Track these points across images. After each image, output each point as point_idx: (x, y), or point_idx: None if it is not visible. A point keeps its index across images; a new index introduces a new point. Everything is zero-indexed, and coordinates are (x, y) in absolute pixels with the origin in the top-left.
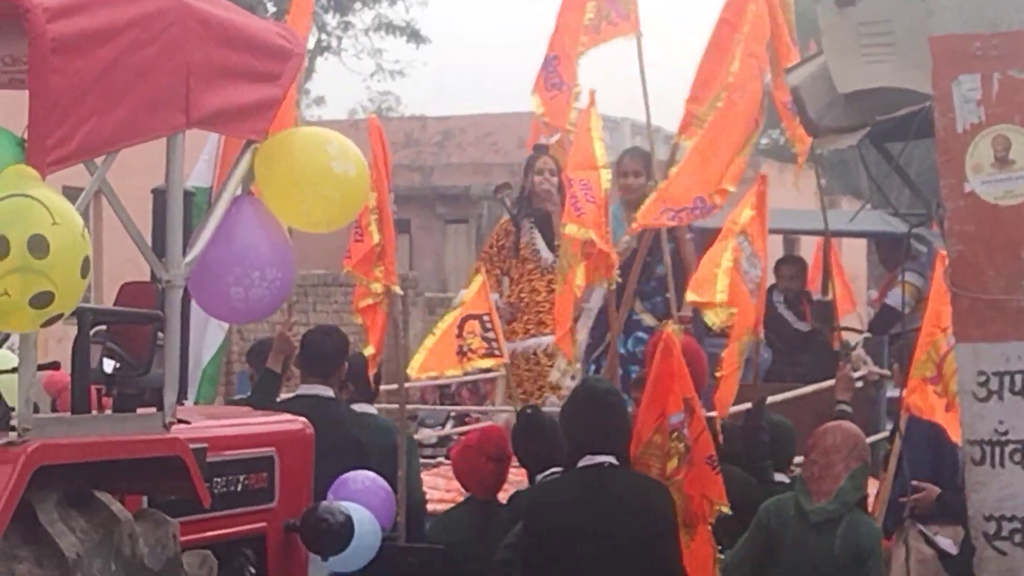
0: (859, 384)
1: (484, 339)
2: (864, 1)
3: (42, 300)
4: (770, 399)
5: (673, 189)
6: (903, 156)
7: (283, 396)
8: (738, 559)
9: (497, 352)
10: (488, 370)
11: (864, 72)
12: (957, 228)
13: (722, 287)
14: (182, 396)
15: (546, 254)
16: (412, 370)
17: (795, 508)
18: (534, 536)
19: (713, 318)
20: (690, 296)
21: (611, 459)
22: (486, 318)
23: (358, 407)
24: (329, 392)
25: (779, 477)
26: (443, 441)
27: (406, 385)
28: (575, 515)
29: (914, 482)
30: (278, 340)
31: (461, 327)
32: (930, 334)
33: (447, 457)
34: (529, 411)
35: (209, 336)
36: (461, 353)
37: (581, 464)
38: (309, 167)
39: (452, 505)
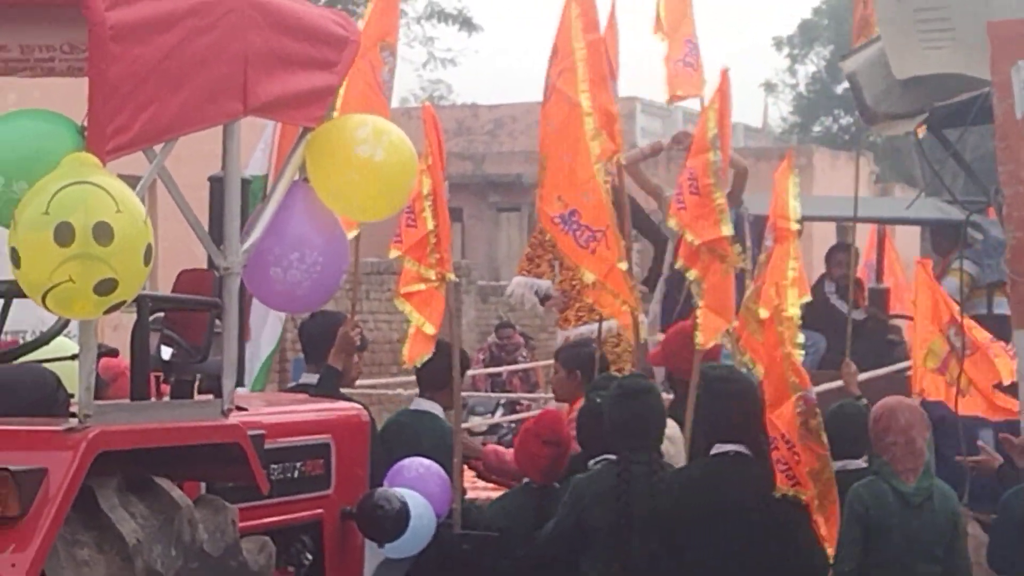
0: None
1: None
2: None
3: (105, 287)
4: (824, 387)
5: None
6: (958, 143)
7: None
8: (848, 553)
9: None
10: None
11: (922, 58)
12: (1016, 215)
13: (793, 298)
14: (239, 383)
15: None
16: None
17: (892, 492)
18: (665, 520)
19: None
20: (690, 237)
21: (740, 448)
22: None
23: (416, 403)
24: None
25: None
26: (493, 429)
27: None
28: (706, 501)
29: (979, 443)
30: (340, 339)
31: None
32: (928, 331)
33: (500, 444)
34: (598, 399)
35: (269, 326)
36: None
37: (712, 452)
38: (338, 152)
39: (503, 492)
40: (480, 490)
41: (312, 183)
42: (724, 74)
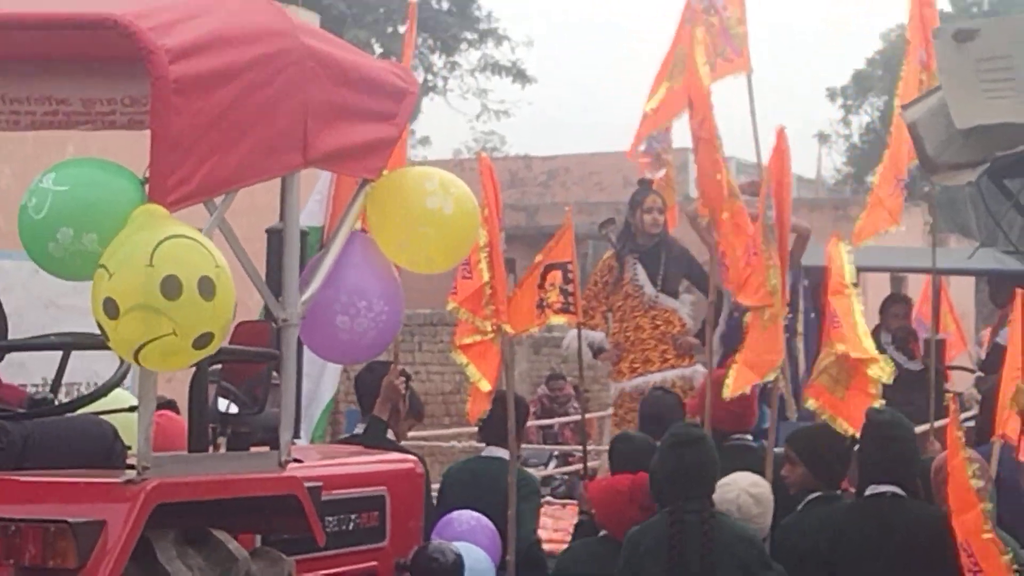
0: (970, 424)
1: (562, 291)
2: (983, 36)
3: (204, 341)
4: None
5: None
6: (1020, 194)
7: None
8: None
9: (572, 308)
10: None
11: (983, 107)
12: None
13: (870, 343)
14: (295, 435)
15: (649, 290)
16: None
17: None
18: (820, 560)
19: (879, 373)
20: (852, 354)
21: (896, 489)
22: (569, 266)
23: (489, 451)
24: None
25: None
26: (546, 481)
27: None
28: (863, 542)
29: None
30: (385, 388)
31: (544, 277)
32: (1017, 370)
33: (553, 496)
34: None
35: (327, 376)
36: (540, 307)
37: (868, 493)
38: (406, 204)
39: (563, 546)
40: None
41: (374, 234)
42: (780, 133)
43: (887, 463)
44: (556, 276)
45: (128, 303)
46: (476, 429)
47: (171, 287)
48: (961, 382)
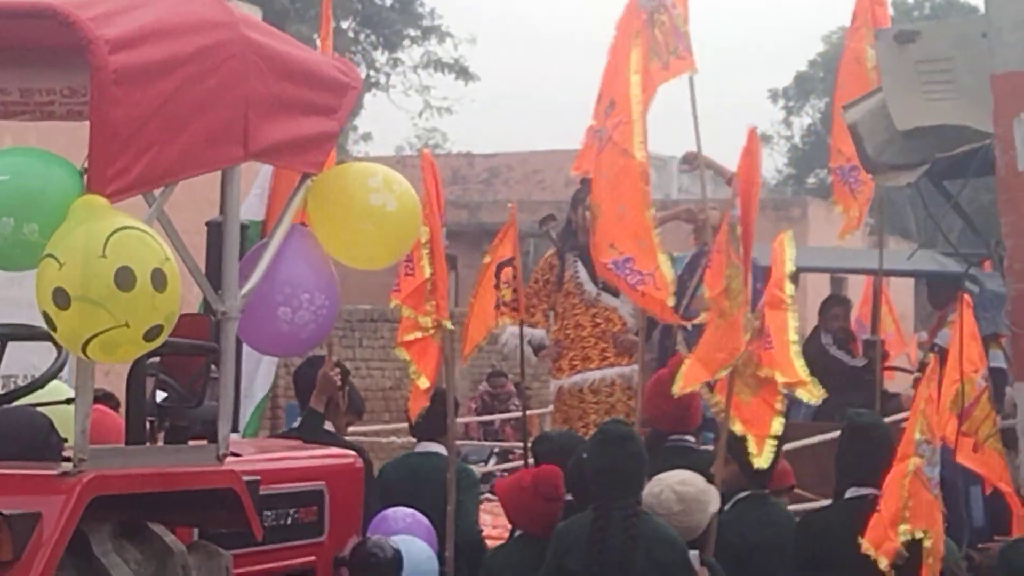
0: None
1: (514, 287)
2: (924, 38)
3: (154, 333)
4: (819, 438)
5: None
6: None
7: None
8: None
9: (515, 305)
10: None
11: (923, 109)
12: (1018, 267)
13: (801, 364)
14: (233, 429)
15: (590, 288)
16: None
17: None
18: (803, 561)
19: (808, 395)
20: (780, 379)
21: (875, 491)
22: (512, 263)
23: (423, 446)
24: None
25: None
26: (486, 477)
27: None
28: (843, 544)
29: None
30: (321, 380)
31: (498, 276)
32: (957, 372)
33: (492, 493)
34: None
35: (262, 370)
36: (497, 307)
37: (848, 495)
38: (349, 200)
39: (500, 542)
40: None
41: (315, 229)
42: (752, 134)
43: (868, 466)
44: (508, 273)
45: (80, 293)
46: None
47: (125, 278)
48: (900, 383)
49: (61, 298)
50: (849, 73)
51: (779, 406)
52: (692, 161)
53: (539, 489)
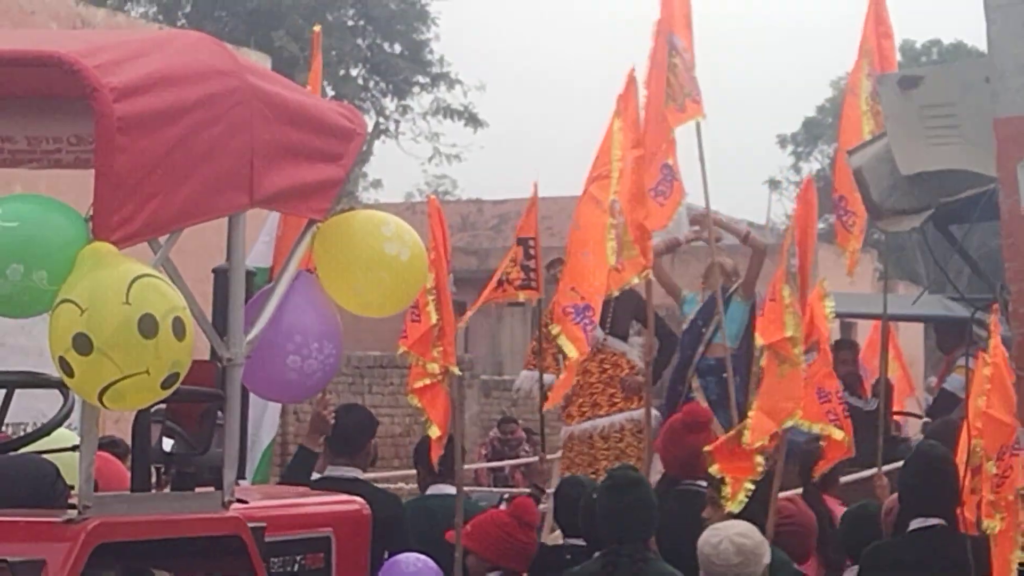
0: None
1: (523, 267)
2: (927, 83)
3: (170, 381)
4: (852, 477)
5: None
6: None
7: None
8: None
9: (533, 284)
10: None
11: (928, 154)
12: (1022, 311)
13: (790, 321)
14: (240, 475)
15: (597, 333)
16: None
17: None
18: None
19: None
20: (758, 340)
21: (941, 521)
22: (531, 242)
23: (435, 488)
24: (355, 472)
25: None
26: None
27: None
28: (913, 575)
29: None
30: (314, 419)
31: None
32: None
33: None
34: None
35: (268, 417)
36: (500, 283)
37: (913, 527)
38: (362, 248)
39: None
40: None
41: (323, 275)
42: (808, 183)
43: (936, 498)
44: (518, 252)
45: (103, 340)
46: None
47: (148, 326)
48: (909, 427)
49: (82, 344)
50: (847, 105)
51: (759, 458)
52: (702, 221)
53: (525, 519)
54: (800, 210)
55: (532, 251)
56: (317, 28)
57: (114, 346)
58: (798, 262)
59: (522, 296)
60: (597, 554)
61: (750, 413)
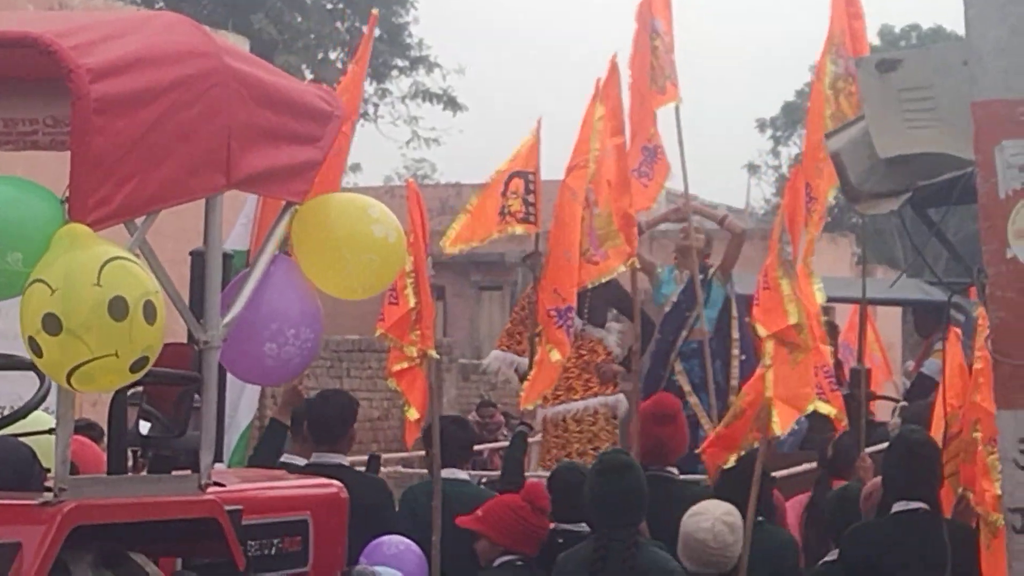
0: None
1: (524, 201)
2: (905, 66)
3: (140, 364)
4: (803, 467)
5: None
6: (941, 222)
7: (295, 461)
8: None
9: (532, 219)
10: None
11: (905, 137)
12: (999, 295)
13: (793, 309)
14: (217, 458)
15: (576, 322)
16: (446, 240)
17: None
18: (853, 573)
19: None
20: (761, 331)
21: (924, 505)
22: (531, 176)
23: (445, 472)
24: (339, 459)
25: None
26: None
27: None
28: (893, 556)
29: None
30: (286, 392)
31: (507, 184)
32: (942, 408)
33: None
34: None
35: (246, 399)
36: (502, 215)
37: (895, 509)
38: (350, 231)
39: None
40: None
41: (302, 258)
42: (796, 172)
43: (917, 481)
44: (519, 184)
45: (73, 321)
46: (402, 455)
47: (118, 308)
48: (885, 411)
49: (51, 324)
50: (814, 91)
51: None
52: (682, 209)
53: (536, 502)
54: (788, 198)
55: (532, 185)
56: (375, 12)
57: (83, 327)
58: (792, 250)
59: (520, 229)
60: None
61: (738, 398)
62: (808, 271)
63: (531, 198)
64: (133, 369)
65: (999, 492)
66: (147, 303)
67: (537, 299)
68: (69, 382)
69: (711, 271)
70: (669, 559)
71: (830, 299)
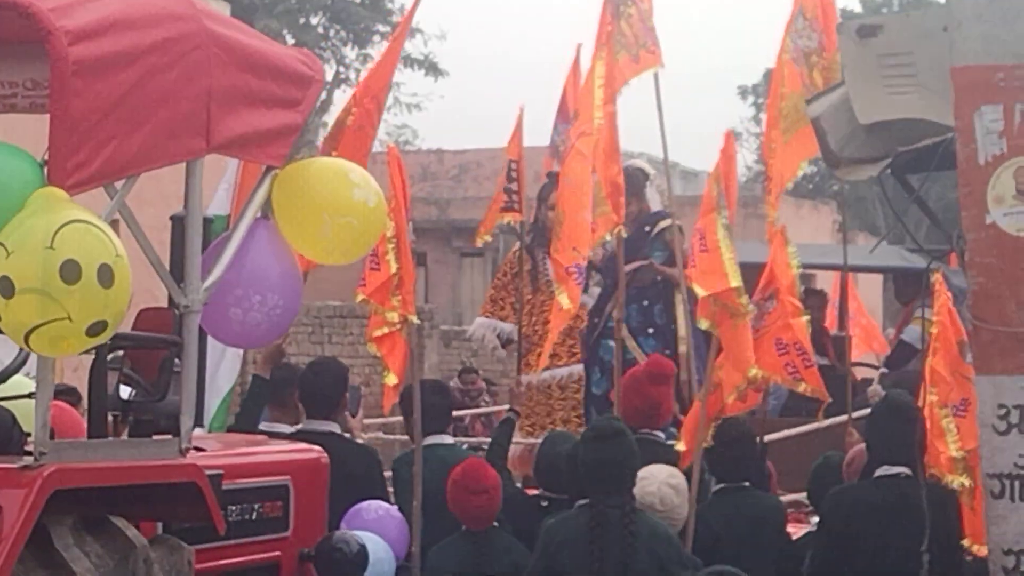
0: None
1: (506, 190)
2: (886, 32)
3: (97, 329)
4: (785, 433)
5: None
6: (922, 189)
7: (284, 429)
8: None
9: (516, 207)
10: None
11: (885, 103)
12: (978, 260)
13: (734, 272)
14: (197, 423)
15: None
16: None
17: None
18: (833, 536)
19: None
20: (699, 291)
21: (905, 470)
22: (514, 165)
23: (432, 439)
24: (330, 427)
25: None
26: None
27: None
28: (873, 520)
29: None
30: (268, 349)
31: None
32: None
33: None
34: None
35: (226, 364)
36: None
37: (878, 474)
38: (330, 195)
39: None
40: None
41: (284, 223)
42: (728, 136)
43: (901, 446)
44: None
45: (24, 284)
46: (383, 421)
47: (70, 272)
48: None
49: (6, 287)
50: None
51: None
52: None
53: (466, 484)
54: (723, 164)
55: (515, 174)
56: None
57: (34, 290)
58: (728, 214)
59: (507, 218)
60: (580, 503)
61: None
62: (784, 240)
63: (514, 186)
64: (90, 333)
65: (953, 454)
66: (102, 267)
67: (550, 259)
68: (27, 344)
69: (659, 226)
70: (662, 523)
71: (812, 266)
